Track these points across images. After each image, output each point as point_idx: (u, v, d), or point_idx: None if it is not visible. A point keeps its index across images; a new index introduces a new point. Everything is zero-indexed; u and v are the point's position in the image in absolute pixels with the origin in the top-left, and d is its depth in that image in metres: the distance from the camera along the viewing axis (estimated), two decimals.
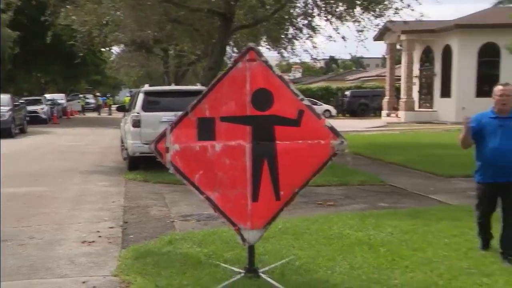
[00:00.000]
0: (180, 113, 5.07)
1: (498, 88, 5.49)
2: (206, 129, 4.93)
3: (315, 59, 20.04)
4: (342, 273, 5.21)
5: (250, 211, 4.94)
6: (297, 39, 19.15)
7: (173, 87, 18.87)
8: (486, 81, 30.66)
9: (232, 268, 5.21)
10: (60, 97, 46.20)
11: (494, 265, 5.37)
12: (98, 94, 63.38)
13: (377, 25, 18.03)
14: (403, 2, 16.13)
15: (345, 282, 4.97)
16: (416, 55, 36.57)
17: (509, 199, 5.54)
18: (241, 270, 5.06)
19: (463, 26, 32.60)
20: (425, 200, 9.38)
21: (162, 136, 4.97)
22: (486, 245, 5.81)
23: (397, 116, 36.17)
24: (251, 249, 5.04)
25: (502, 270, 5.20)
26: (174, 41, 24.82)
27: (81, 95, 56.62)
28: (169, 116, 10.63)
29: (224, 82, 4.93)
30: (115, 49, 36.38)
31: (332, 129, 4.96)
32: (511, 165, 5.42)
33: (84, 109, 52.12)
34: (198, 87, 13.36)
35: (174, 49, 29.28)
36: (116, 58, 40.28)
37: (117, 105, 28.11)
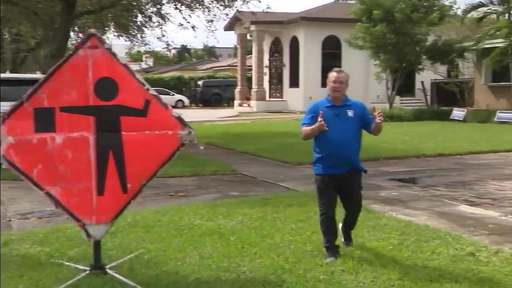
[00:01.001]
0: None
1: (331, 75, 5.32)
2: (44, 120, 4.61)
3: (168, 47, 19.83)
4: (192, 264, 5.18)
5: (95, 205, 4.73)
6: (146, 27, 18.81)
7: (8, 74, 17.51)
8: (329, 72, 32.50)
9: (77, 266, 4.96)
10: None
11: None
12: None
13: (227, 14, 18.28)
14: None
15: (195, 273, 4.95)
16: (266, 46, 37.63)
17: (347, 189, 5.38)
18: (86, 268, 4.82)
19: (308, 19, 34.16)
20: (274, 187, 9.66)
21: None
22: (334, 252, 5.31)
23: (249, 105, 37.05)
24: (97, 244, 4.82)
25: (341, 250, 5.47)
26: (9, 24, 22.91)
27: None
28: (5, 107, 9.82)
29: (63, 70, 4.63)
30: None
31: (179, 119, 4.88)
32: (349, 155, 5.27)
33: None
34: (38, 75, 12.54)
35: (9, 32, 27.04)
36: None
37: None
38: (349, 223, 5.60)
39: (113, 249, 5.57)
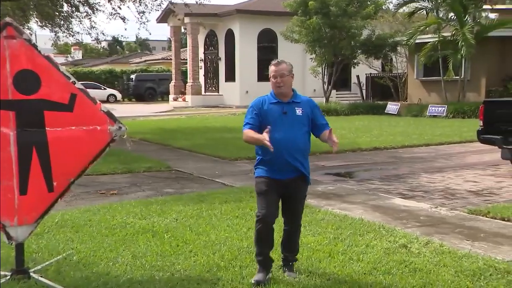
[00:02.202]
0: None
1: (271, 69, 4.60)
2: None
3: (97, 39, 19.13)
4: (124, 264, 5.03)
5: (18, 205, 4.48)
6: (73, 18, 17.97)
7: None
8: (266, 66, 32.48)
9: None
10: None
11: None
12: None
13: (159, 5, 17.88)
14: None
15: (127, 273, 4.79)
16: (201, 39, 37.24)
17: (291, 198, 4.68)
18: (7, 273, 4.54)
19: (243, 12, 34.04)
20: (211, 183, 9.53)
21: None
22: (266, 268, 4.65)
23: (184, 100, 36.63)
24: (19, 247, 4.57)
25: (276, 245, 5.40)
26: None
27: None
28: None
29: None
30: None
31: (109, 114, 4.73)
32: (296, 160, 4.55)
33: None
34: None
35: None
36: None
37: None
38: (289, 241, 4.79)
39: (38, 252, 5.33)
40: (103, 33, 18.66)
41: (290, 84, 4.60)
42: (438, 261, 5.03)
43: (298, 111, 4.58)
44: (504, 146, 9.76)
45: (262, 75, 32.40)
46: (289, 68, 4.60)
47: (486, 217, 6.81)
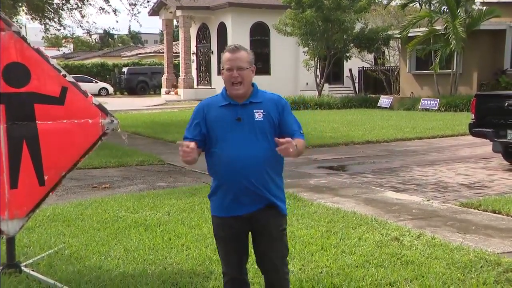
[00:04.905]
0: None
1: (225, 57, 3.33)
2: None
3: (89, 32, 18.93)
4: (116, 258, 5.01)
5: (8, 199, 4.44)
6: (63, 10, 17.74)
7: None
8: (258, 59, 32.49)
9: None
10: None
11: None
12: None
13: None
14: None
15: (119, 267, 4.78)
16: (193, 32, 37.08)
17: (263, 237, 3.34)
18: None
19: (236, 5, 33.89)
20: (203, 177, 9.48)
21: None
22: None
23: (176, 94, 36.50)
24: (10, 241, 4.54)
25: None
26: None
27: None
28: None
29: None
30: None
31: (101, 107, 4.69)
32: (259, 183, 3.24)
33: None
34: None
35: None
36: None
37: None
38: None
39: (30, 245, 5.32)
40: (94, 22, 18.44)
41: (250, 80, 3.30)
42: (430, 254, 5.04)
43: (258, 115, 3.26)
44: (496, 139, 9.80)
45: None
46: (249, 58, 3.32)
47: (478, 210, 6.84)
